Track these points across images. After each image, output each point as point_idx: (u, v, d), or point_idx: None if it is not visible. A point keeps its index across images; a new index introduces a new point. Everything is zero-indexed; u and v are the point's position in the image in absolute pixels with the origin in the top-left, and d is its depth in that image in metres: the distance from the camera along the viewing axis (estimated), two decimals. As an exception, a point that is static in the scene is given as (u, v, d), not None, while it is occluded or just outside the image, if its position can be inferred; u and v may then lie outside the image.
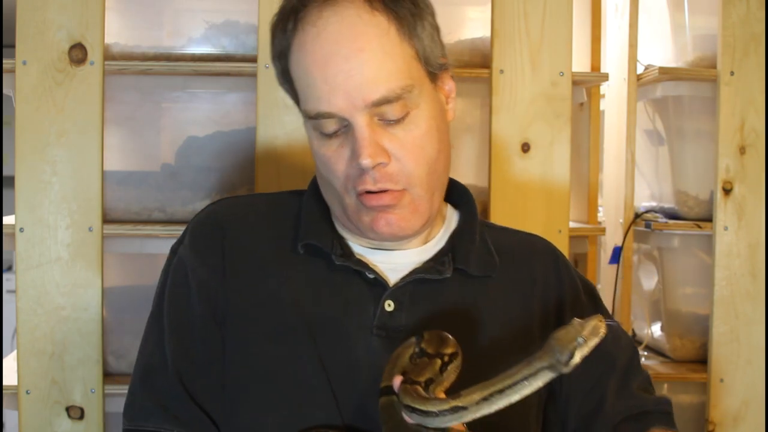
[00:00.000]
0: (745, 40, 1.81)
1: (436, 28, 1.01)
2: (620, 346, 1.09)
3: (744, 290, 1.83)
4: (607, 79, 1.86)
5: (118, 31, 1.66)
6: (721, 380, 1.83)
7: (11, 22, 1.56)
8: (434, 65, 1.00)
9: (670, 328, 2.01)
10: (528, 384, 0.80)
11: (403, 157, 0.96)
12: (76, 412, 1.57)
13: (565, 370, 0.79)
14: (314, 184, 1.09)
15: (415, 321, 0.99)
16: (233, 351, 0.99)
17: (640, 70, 1.90)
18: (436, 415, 0.80)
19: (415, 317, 0.99)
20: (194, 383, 0.99)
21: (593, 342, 0.79)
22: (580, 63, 1.95)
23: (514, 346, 1.02)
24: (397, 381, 0.86)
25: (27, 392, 1.56)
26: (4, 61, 1.56)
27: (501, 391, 0.80)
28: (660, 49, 2.02)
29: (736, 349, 1.83)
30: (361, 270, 1.01)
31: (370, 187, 0.95)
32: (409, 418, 0.82)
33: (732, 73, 1.81)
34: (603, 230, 1.90)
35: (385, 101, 0.93)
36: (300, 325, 0.98)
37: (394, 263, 1.03)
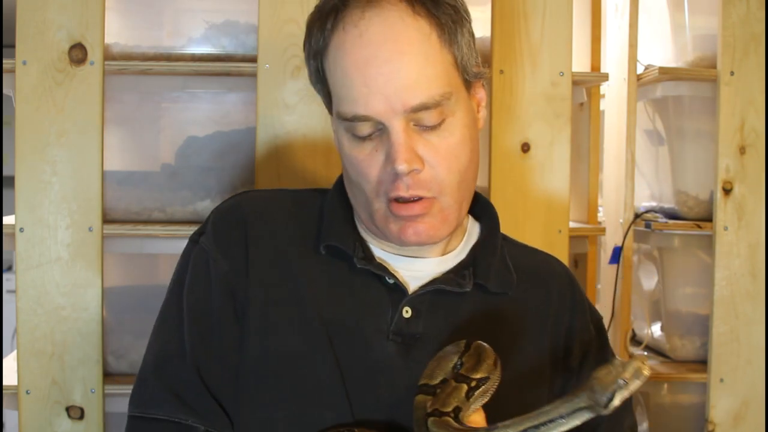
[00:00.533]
0: (745, 40, 1.81)
1: (473, 36, 1.01)
2: (624, 417, 1.09)
3: (744, 290, 1.83)
4: (607, 79, 1.86)
5: (118, 31, 1.66)
6: (721, 380, 1.83)
7: (11, 22, 1.56)
8: (470, 73, 0.99)
9: (670, 328, 2.01)
10: (564, 422, 0.79)
11: (437, 165, 0.95)
12: (76, 412, 1.57)
13: (604, 412, 0.78)
14: (339, 184, 1.07)
15: (432, 330, 0.99)
16: (250, 345, 0.98)
17: (640, 70, 1.90)
18: None
19: (431, 326, 0.99)
20: (211, 375, 0.98)
21: (635, 385, 0.77)
22: (580, 63, 1.95)
23: (525, 365, 1.02)
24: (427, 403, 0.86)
25: (27, 392, 1.56)
26: (4, 61, 1.56)
27: (536, 427, 0.79)
28: (660, 49, 2.02)
29: (736, 349, 1.83)
30: (381, 274, 1.00)
31: (403, 193, 0.94)
32: None
33: (732, 73, 1.81)
34: (603, 230, 1.91)
35: (424, 107, 0.93)
36: (318, 324, 0.98)
37: (415, 270, 1.03)
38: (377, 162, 0.95)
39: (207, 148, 1.70)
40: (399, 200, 0.95)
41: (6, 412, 1.63)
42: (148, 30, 1.70)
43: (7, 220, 1.62)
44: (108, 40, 1.60)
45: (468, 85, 1.00)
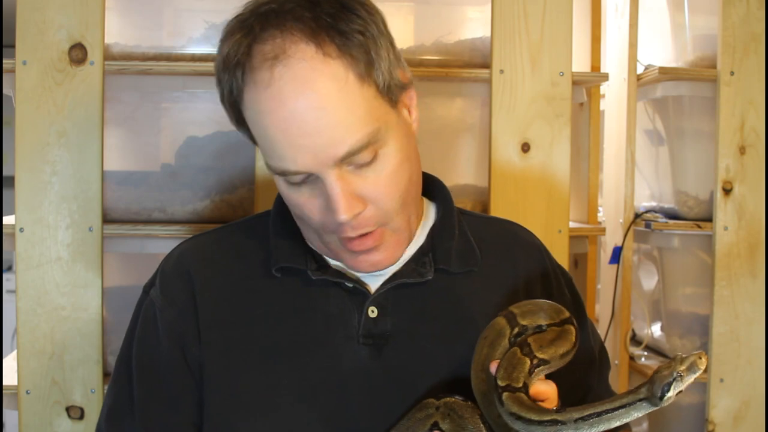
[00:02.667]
0: (745, 40, 1.81)
1: (391, 42, 0.95)
2: (595, 340, 1.13)
3: (744, 290, 1.83)
4: (607, 79, 1.86)
5: (118, 31, 1.66)
6: (721, 380, 1.83)
7: (11, 22, 1.56)
8: (395, 92, 0.94)
9: (670, 328, 2.01)
10: (626, 413, 0.84)
11: (378, 199, 0.93)
12: (76, 412, 1.57)
13: (660, 404, 0.82)
14: (279, 203, 1.06)
15: (401, 325, 0.98)
16: (217, 386, 0.98)
17: (640, 70, 1.90)
18: (537, 423, 0.84)
19: (400, 321, 0.98)
20: (160, 423, 0.99)
21: (689, 378, 0.81)
22: (580, 63, 1.95)
23: None
24: (492, 366, 0.87)
25: (27, 392, 1.56)
26: (4, 61, 1.56)
27: (599, 414, 0.83)
28: (660, 49, 2.02)
29: (736, 349, 1.83)
30: (339, 281, 0.99)
31: (350, 234, 0.93)
32: (512, 425, 0.85)
33: (732, 73, 1.81)
34: (603, 230, 1.91)
35: (352, 154, 0.90)
36: (282, 351, 0.97)
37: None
38: (317, 207, 0.93)
39: (207, 148, 1.70)
40: (349, 238, 0.94)
41: (6, 412, 1.63)
42: (148, 30, 1.70)
43: (7, 220, 1.62)
44: (108, 40, 1.60)
45: (395, 103, 0.95)
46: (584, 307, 1.13)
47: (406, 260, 1.02)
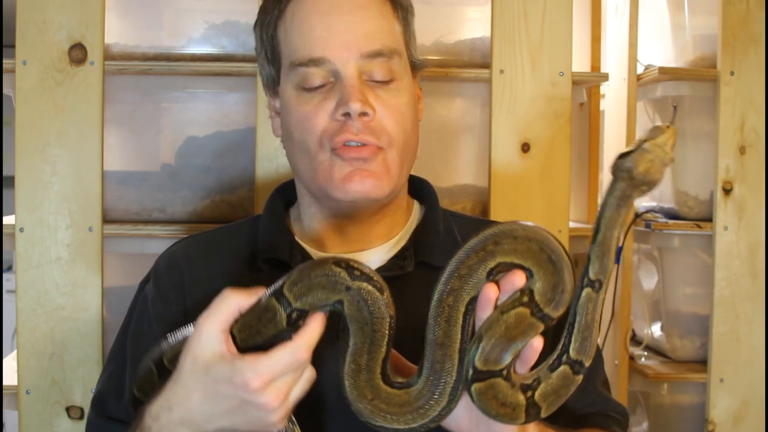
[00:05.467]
0: (745, 40, 1.81)
1: (415, 34, 1.07)
2: None
3: (744, 290, 1.83)
4: (607, 79, 1.86)
5: (118, 31, 1.66)
6: (721, 380, 1.83)
7: (11, 22, 1.55)
8: (415, 57, 1.05)
9: (670, 328, 2.01)
10: (614, 205, 0.87)
11: (386, 116, 0.98)
12: (76, 412, 1.57)
13: (635, 176, 0.85)
14: (271, 201, 1.11)
15: None
16: None
17: (640, 70, 1.90)
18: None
19: None
20: None
21: (653, 142, 0.86)
22: (580, 63, 1.95)
23: None
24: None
25: (27, 392, 1.56)
26: (4, 61, 1.56)
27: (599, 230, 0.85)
28: (660, 49, 2.02)
29: (736, 349, 1.83)
30: None
31: (352, 137, 0.96)
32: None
33: (732, 73, 1.81)
34: (603, 230, 1.90)
35: (378, 54, 0.97)
36: None
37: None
38: (325, 110, 0.98)
39: (207, 148, 1.70)
40: (347, 145, 0.97)
41: (6, 412, 1.63)
42: (148, 30, 1.70)
43: (7, 220, 1.62)
44: (108, 40, 1.60)
45: (413, 66, 1.05)
46: None
47: (390, 257, 1.04)
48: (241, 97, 1.69)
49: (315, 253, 1.05)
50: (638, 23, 1.88)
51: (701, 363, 1.91)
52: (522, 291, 0.81)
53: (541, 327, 0.81)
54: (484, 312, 0.81)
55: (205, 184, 1.69)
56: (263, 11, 1.05)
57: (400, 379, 0.84)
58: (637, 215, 1.94)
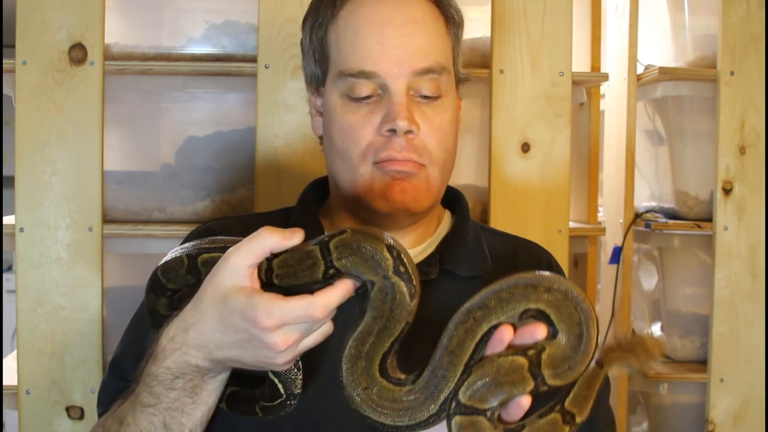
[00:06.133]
0: (745, 40, 1.81)
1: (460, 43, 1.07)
2: None
3: (744, 290, 1.83)
4: (607, 79, 1.86)
5: (118, 31, 1.66)
6: (721, 380, 1.83)
7: (11, 22, 1.55)
8: (460, 71, 1.06)
9: (670, 328, 2.01)
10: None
11: (430, 135, 0.99)
12: (76, 412, 1.57)
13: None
14: (303, 197, 1.11)
15: None
16: None
17: (640, 70, 1.90)
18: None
19: None
20: None
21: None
22: (580, 63, 1.95)
23: None
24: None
25: (27, 392, 1.56)
26: (4, 61, 1.56)
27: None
28: (660, 49, 2.02)
29: (736, 349, 1.83)
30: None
31: (395, 154, 0.97)
32: None
33: (732, 73, 1.81)
34: (603, 230, 1.90)
35: (429, 71, 0.97)
36: None
37: None
38: (371, 124, 0.98)
39: (207, 148, 1.70)
40: (390, 159, 0.97)
41: (6, 412, 1.63)
42: (148, 30, 1.70)
43: (7, 220, 1.62)
44: (108, 40, 1.60)
45: (458, 79, 1.05)
46: None
47: (417, 263, 1.03)
48: (241, 97, 1.69)
49: None
50: (638, 23, 1.88)
51: (701, 363, 1.91)
52: (534, 344, 0.79)
53: (532, 385, 0.78)
54: (492, 349, 0.80)
55: (205, 184, 1.69)
56: (315, 11, 1.04)
57: (399, 376, 0.84)
58: (637, 215, 1.94)
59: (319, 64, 1.04)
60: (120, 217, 1.67)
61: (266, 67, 1.58)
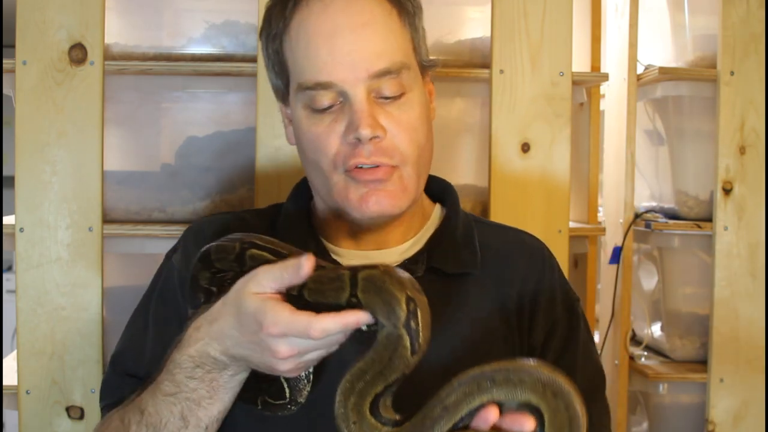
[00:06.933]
0: (745, 40, 1.81)
1: (424, 30, 1.05)
2: (587, 368, 1.07)
3: (744, 290, 1.83)
4: (607, 79, 1.86)
5: (118, 31, 1.66)
6: (721, 380, 1.83)
7: (11, 22, 1.55)
8: (425, 59, 1.03)
9: (670, 328, 2.01)
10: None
11: (398, 134, 0.97)
12: (76, 412, 1.57)
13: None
14: (295, 189, 1.11)
15: None
16: None
17: (640, 70, 1.90)
18: None
19: None
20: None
21: None
22: (580, 63, 1.95)
23: (483, 344, 1.01)
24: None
25: (27, 392, 1.56)
26: (4, 61, 1.56)
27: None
28: (660, 49, 2.02)
29: (736, 349, 1.83)
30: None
31: (364, 160, 0.96)
32: None
33: (732, 73, 1.81)
34: (603, 230, 1.90)
35: (387, 72, 0.96)
36: None
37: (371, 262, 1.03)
38: (336, 133, 0.97)
39: (207, 148, 1.70)
40: (360, 167, 0.97)
41: (6, 412, 1.63)
42: (148, 30, 1.70)
43: (7, 220, 1.62)
44: (108, 40, 1.60)
45: (423, 69, 1.03)
46: (578, 329, 1.09)
47: (404, 260, 1.03)
48: (241, 97, 1.69)
49: (331, 247, 1.06)
50: (638, 23, 1.88)
51: (701, 363, 1.91)
52: None
53: None
54: (477, 424, 0.79)
55: (205, 184, 1.69)
56: (267, 23, 1.03)
57: (392, 416, 0.85)
58: (637, 215, 1.94)
59: (279, 76, 1.03)
60: (120, 217, 1.68)
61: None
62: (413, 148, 0.98)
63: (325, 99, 0.97)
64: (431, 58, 1.05)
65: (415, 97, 0.99)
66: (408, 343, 0.81)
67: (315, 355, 0.84)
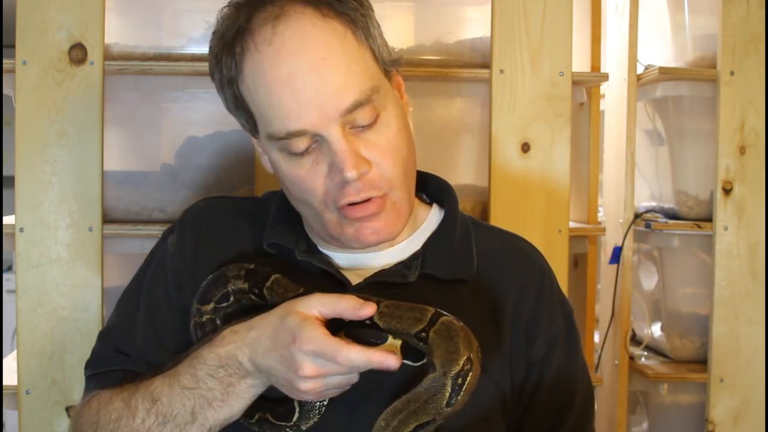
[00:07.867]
0: (745, 40, 1.81)
1: (379, 25, 1.00)
2: (582, 377, 1.07)
3: (744, 290, 1.83)
4: (607, 79, 1.86)
5: (118, 31, 1.66)
6: (721, 380, 1.83)
7: (11, 22, 1.55)
8: (387, 63, 0.98)
9: (670, 328, 2.01)
10: None
11: (382, 162, 0.94)
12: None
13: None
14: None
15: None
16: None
17: (640, 70, 1.90)
18: None
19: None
20: (151, 351, 1.05)
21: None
22: (580, 63, 1.95)
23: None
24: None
25: (27, 392, 1.56)
26: (4, 61, 1.56)
27: None
28: (660, 49, 2.02)
29: (736, 349, 1.83)
30: (323, 267, 1.01)
31: (354, 198, 0.94)
32: None
33: (732, 73, 1.81)
34: (603, 230, 1.90)
35: (358, 105, 0.91)
36: None
37: (362, 265, 1.02)
38: (320, 174, 0.94)
39: (207, 148, 1.70)
40: (351, 204, 0.95)
41: (6, 412, 1.63)
42: (148, 30, 1.70)
43: (7, 220, 1.62)
44: (108, 40, 1.60)
45: (388, 75, 0.99)
46: (578, 341, 1.09)
47: (396, 262, 1.02)
48: (241, 97, 1.69)
49: (322, 244, 1.05)
50: (638, 23, 1.88)
51: (701, 363, 1.91)
52: None
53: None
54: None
55: (205, 184, 1.69)
56: (218, 65, 0.97)
57: None
58: (637, 215, 1.94)
59: (243, 116, 1.00)
60: (120, 217, 1.68)
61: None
62: (399, 169, 0.96)
63: (300, 144, 0.93)
64: (392, 57, 1.00)
65: (390, 113, 0.96)
66: (448, 394, 0.84)
67: (334, 382, 0.87)
